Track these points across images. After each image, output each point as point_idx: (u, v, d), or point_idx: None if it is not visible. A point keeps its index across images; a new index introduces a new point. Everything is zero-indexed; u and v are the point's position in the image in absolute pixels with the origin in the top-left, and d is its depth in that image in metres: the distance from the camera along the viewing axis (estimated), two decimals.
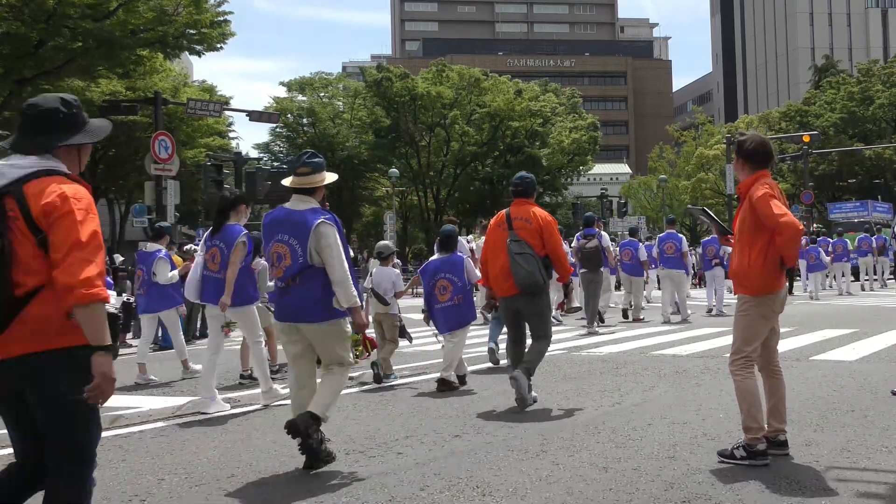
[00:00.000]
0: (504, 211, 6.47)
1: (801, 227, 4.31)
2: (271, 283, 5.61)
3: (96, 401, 2.60)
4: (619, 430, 5.26)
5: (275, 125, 46.04)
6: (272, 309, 6.12)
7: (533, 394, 6.19)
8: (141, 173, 25.55)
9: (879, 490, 3.88)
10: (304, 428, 4.35)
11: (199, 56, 22.14)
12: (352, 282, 4.48)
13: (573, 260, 12.30)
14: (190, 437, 5.59)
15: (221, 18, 21.29)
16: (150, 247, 8.98)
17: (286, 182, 4.72)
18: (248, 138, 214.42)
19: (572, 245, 13.06)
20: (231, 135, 44.72)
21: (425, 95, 44.82)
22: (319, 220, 4.47)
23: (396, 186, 43.71)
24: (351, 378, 7.90)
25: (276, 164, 48.01)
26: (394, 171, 40.77)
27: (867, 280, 22.69)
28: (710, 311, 14.66)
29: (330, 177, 4.75)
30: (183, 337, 8.93)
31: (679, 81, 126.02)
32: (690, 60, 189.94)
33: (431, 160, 46.96)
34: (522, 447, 4.87)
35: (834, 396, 6.14)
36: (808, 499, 3.73)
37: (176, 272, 8.65)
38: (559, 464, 4.45)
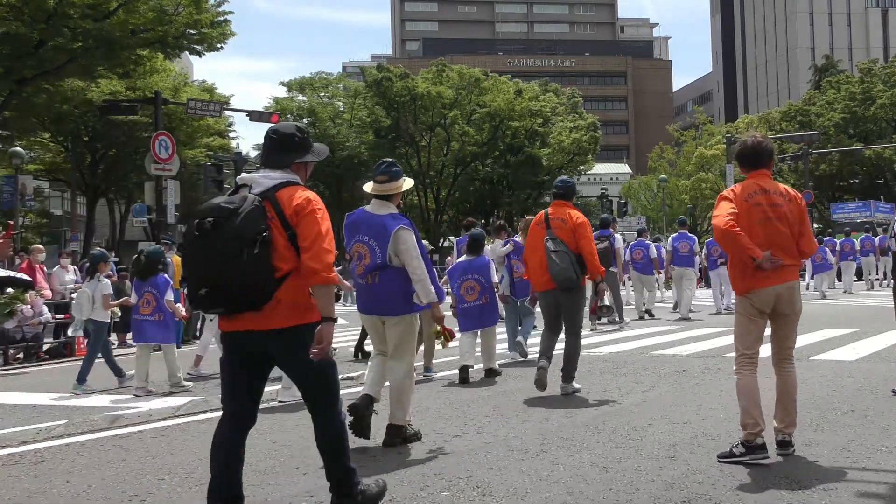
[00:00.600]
0: (543, 211, 7.01)
1: (727, 227, 4.35)
2: None
3: (319, 357, 3.31)
4: (620, 429, 5.26)
5: (275, 125, 45.96)
6: None
7: (576, 385, 6.77)
8: (141, 173, 25.56)
9: (880, 490, 3.88)
10: (362, 410, 4.99)
11: (200, 56, 22.15)
12: (430, 279, 5.00)
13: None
14: (190, 437, 5.59)
15: (221, 18, 21.30)
16: None
17: (367, 188, 5.25)
18: (249, 138, 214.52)
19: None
20: (231, 135, 44.78)
21: (425, 95, 44.79)
22: (398, 227, 5.01)
23: None
24: (351, 378, 7.92)
25: None
26: None
27: (875, 279, 22.99)
28: (718, 311, 14.73)
29: (407, 183, 5.25)
30: (210, 336, 9.17)
31: (679, 81, 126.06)
32: (690, 60, 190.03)
33: (431, 160, 46.93)
34: (522, 447, 4.87)
35: (834, 396, 6.14)
36: (809, 498, 3.73)
37: None
38: (559, 464, 4.45)
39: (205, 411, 6.48)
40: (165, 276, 8.29)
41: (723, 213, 4.44)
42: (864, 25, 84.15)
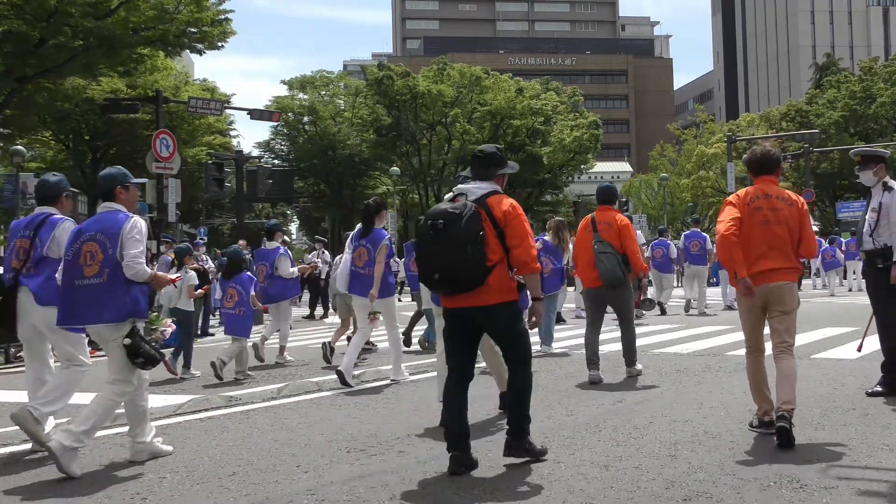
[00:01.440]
0: (590, 216, 7.69)
1: (727, 233, 4.78)
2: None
3: (535, 327, 4.47)
4: (621, 428, 5.26)
5: (276, 123, 46.03)
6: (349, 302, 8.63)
7: (638, 367, 7.49)
8: (142, 172, 25.55)
9: (881, 488, 3.88)
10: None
11: (200, 54, 22.12)
12: None
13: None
14: (191, 435, 5.60)
15: (222, 17, 21.27)
16: (270, 245, 10.00)
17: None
18: (249, 137, 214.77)
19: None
20: (232, 133, 44.75)
21: (426, 94, 44.77)
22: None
23: (397, 185, 43.71)
24: (352, 377, 7.93)
25: (276, 162, 48.01)
26: (395, 169, 40.74)
27: None
28: (728, 307, 15.23)
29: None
30: (287, 327, 10.08)
31: (680, 80, 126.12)
32: (691, 59, 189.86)
33: (432, 159, 46.92)
34: None
35: (835, 395, 6.14)
36: (810, 496, 3.73)
37: (296, 269, 10.00)
38: (560, 462, 4.46)
39: (206, 409, 6.48)
40: (248, 273, 8.87)
41: (725, 219, 4.87)
42: (865, 23, 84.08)
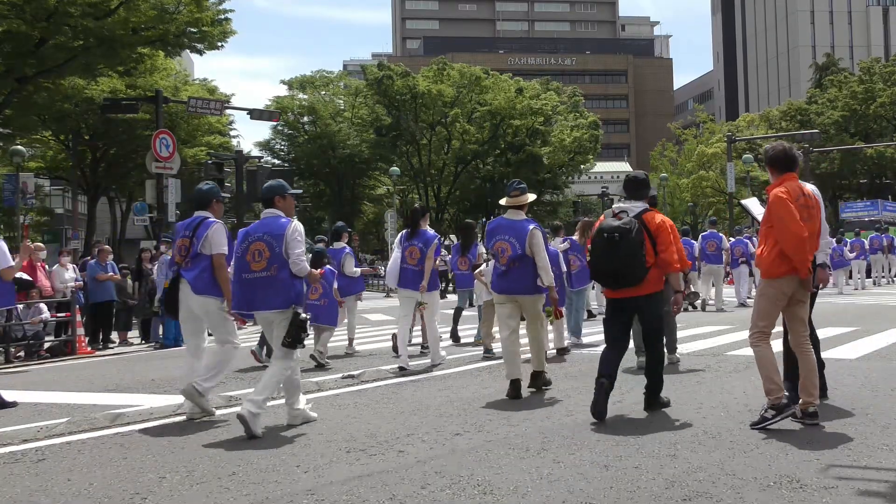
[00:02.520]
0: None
1: (806, 236, 5.05)
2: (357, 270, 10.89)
3: (676, 313, 6.35)
4: (620, 428, 5.26)
5: (276, 123, 46.01)
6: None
7: (677, 355, 8.30)
8: (142, 171, 25.56)
9: (881, 488, 3.88)
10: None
11: (200, 54, 22.10)
12: (550, 268, 6.86)
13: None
14: (191, 435, 5.60)
15: (222, 17, 21.24)
16: (338, 245, 10.84)
17: (503, 202, 7.16)
18: (249, 137, 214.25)
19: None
20: (232, 133, 44.65)
21: (426, 94, 44.73)
22: (532, 227, 6.89)
23: (397, 185, 43.68)
24: (352, 377, 7.95)
25: (276, 162, 47.97)
26: (395, 169, 40.71)
27: (882, 276, 24.53)
28: (741, 304, 16.35)
29: (531, 196, 7.20)
30: (355, 319, 11.16)
31: (680, 79, 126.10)
32: (691, 58, 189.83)
33: (432, 158, 46.90)
34: (523, 445, 4.87)
35: (835, 394, 6.13)
36: (810, 496, 3.73)
37: (359, 269, 11.01)
38: (560, 462, 4.46)
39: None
40: (330, 267, 9.67)
41: (796, 218, 5.08)
42: (865, 23, 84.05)
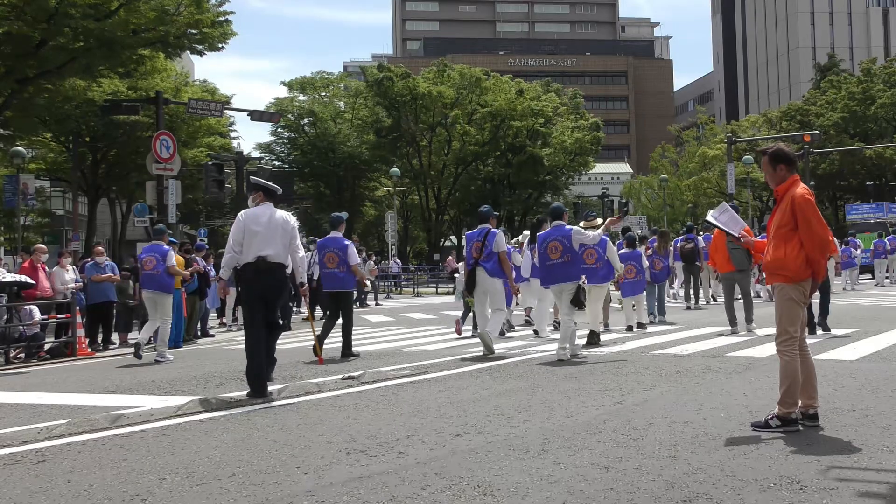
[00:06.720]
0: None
1: (832, 239, 5.28)
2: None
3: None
4: (621, 429, 5.25)
5: (276, 125, 46.01)
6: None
7: (753, 324, 11.33)
8: (142, 173, 25.54)
9: (881, 490, 3.87)
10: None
11: (201, 56, 22.14)
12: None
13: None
14: (191, 436, 5.60)
15: (223, 18, 21.27)
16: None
17: (581, 224, 10.18)
18: (249, 138, 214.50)
19: (676, 245, 17.40)
20: (232, 134, 44.70)
21: (426, 95, 44.75)
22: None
23: (398, 186, 43.71)
24: (352, 378, 7.94)
25: (276, 163, 47.95)
26: (395, 170, 40.73)
27: (886, 277, 25.07)
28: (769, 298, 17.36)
29: (599, 220, 10.44)
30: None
31: (680, 81, 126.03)
32: (691, 60, 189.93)
33: (432, 160, 46.93)
34: (523, 446, 4.87)
35: (835, 396, 6.13)
36: (810, 498, 3.73)
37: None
38: (560, 463, 4.45)
39: (206, 411, 6.48)
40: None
41: (823, 220, 5.12)
42: (865, 25, 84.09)
